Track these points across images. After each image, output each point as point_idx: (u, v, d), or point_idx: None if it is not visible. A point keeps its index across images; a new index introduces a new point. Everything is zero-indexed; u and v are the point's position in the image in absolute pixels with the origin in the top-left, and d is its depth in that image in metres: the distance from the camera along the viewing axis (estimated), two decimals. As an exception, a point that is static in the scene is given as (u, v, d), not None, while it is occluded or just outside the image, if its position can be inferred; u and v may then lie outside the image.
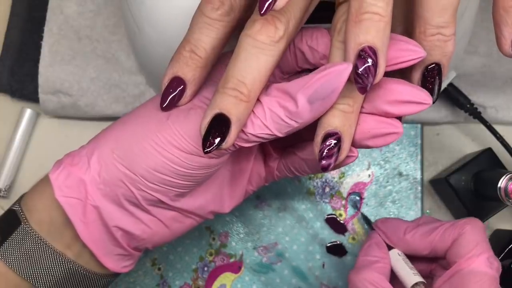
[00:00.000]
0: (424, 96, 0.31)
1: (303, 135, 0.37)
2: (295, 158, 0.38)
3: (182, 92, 0.33)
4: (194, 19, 0.32)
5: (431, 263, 0.44)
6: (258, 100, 0.31)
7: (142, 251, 0.38)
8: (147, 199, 0.34)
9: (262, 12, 0.27)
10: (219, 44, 0.32)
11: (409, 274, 0.41)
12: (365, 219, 0.51)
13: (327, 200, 0.51)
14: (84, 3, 0.51)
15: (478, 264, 0.38)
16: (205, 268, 0.51)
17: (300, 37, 0.33)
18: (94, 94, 0.50)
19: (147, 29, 0.43)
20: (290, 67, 0.35)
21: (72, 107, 0.51)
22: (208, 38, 0.32)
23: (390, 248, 0.43)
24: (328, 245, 0.51)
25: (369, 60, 0.28)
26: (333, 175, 0.51)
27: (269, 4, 0.27)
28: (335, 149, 0.31)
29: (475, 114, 0.50)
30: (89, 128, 0.52)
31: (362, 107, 0.32)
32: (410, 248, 0.43)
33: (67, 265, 0.35)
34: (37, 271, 0.35)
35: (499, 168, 0.49)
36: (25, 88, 0.52)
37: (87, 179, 0.33)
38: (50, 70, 0.50)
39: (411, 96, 0.31)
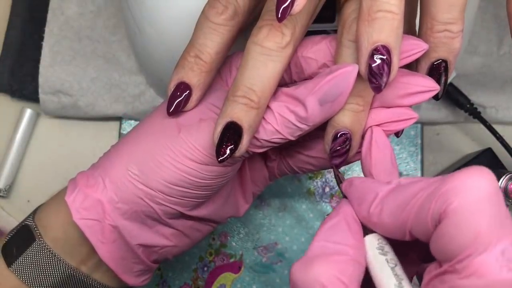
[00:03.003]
0: (431, 83, 0.31)
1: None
2: (300, 157, 0.37)
3: (188, 97, 0.33)
4: (198, 24, 0.32)
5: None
6: (267, 106, 0.31)
7: (160, 262, 0.38)
8: (168, 212, 0.34)
9: (279, 17, 0.27)
10: (223, 49, 0.32)
11: (390, 282, 0.25)
12: (338, 179, 0.32)
13: (327, 200, 0.51)
14: (85, 4, 0.51)
15: (485, 268, 0.21)
16: (205, 268, 0.51)
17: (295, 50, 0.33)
18: (94, 94, 0.50)
19: (147, 29, 0.44)
20: (282, 82, 0.34)
21: (73, 107, 0.51)
22: (212, 43, 0.32)
23: (367, 231, 0.27)
24: (328, 245, 0.51)
25: (383, 59, 0.28)
26: (333, 175, 0.51)
27: (286, 9, 0.27)
28: (346, 148, 0.31)
29: (475, 114, 0.50)
30: (89, 128, 0.52)
31: (372, 103, 0.32)
32: (380, 231, 0.27)
33: (82, 280, 0.35)
34: (51, 286, 0.35)
35: (499, 168, 0.49)
36: (25, 88, 0.51)
37: (104, 199, 0.33)
38: (50, 70, 0.50)
39: (420, 86, 0.31)
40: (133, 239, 0.34)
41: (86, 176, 0.35)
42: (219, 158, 0.30)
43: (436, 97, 0.32)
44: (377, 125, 0.32)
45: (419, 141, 0.52)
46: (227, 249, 0.51)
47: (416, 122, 0.51)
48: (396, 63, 0.28)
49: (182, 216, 0.35)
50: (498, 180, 0.45)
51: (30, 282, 0.34)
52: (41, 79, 0.50)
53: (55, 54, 0.50)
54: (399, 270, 0.26)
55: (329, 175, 0.51)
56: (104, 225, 0.33)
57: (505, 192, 0.45)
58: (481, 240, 0.22)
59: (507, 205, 0.46)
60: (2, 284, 0.35)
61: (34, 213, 0.36)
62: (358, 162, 0.51)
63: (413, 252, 0.28)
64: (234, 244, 0.51)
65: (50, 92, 0.50)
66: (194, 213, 0.35)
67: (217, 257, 0.51)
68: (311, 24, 0.33)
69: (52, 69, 0.50)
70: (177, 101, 0.33)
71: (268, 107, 0.31)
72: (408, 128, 0.52)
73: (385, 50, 0.28)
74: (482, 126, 0.50)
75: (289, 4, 0.27)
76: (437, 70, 0.31)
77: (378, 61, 0.28)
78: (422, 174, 0.51)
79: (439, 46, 0.31)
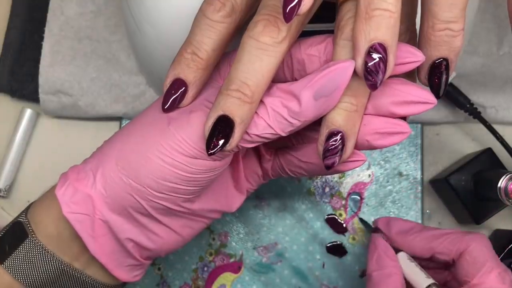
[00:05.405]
0: (428, 95, 0.31)
1: (298, 135, 0.37)
2: (293, 160, 0.38)
3: (183, 93, 0.33)
4: (196, 21, 0.32)
5: (443, 271, 0.44)
6: (261, 101, 0.31)
7: (152, 259, 0.38)
8: (156, 208, 0.34)
9: (286, 17, 0.27)
10: (220, 46, 0.32)
11: (421, 277, 0.41)
12: (363, 222, 0.50)
13: (327, 200, 0.51)
14: (85, 3, 0.51)
15: (490, 282, 0.39)
16: (205, 268, 0.51)
17: (298, 47, 0.33)
18: (94, 94, 0.50)
19: (147, 29, 0.44)
20: (282, 80, 0.34)
21: (73, 107, 0.51)
22: (209, 40, 0.32)
23: (396, 251, 0.43)
24: (328, 245, 0.51)
25: (379, 57, 0.28)
26: (333, 175, 0.51)
27: (293, 8, 0.27)
28: (339, 148, 0.31)
29: (475, 114, 0.50)
30: (89, 128, 0.52)
31: (366, 108, 0.32)
32: (411, 250, 0.43)
33: (75, 275, 0.35)
34: (44, 283, 0.35)
35: (499, 168, 0.49)
36: (25, 88, 0.52)
37: (94, 194, 0.33)
38: (50, 70, 0.50)
39: (416, 97, 0.31)
40: (123, 234, 0.34)
41: (77, 170, 0.34)
42: (209, 151, 0.30)
43: (437, 96, 0.32)
44: (369, 136, 0.32)
45: (419, 141, 0.52)
46: (227, 249, 0.51)
47: (416, 122, 0.52)
48: (392, 61, 0.28)
49: (172, 212, 0.34)
50: (498, 180, 0.45)
51: (22, 279, 0.34)
52: (41, 79, 0.50)
53: (55, 54, 0.50)
54: (423, 270, 0.41)
55: (329, 175, 0.51)
56: (94, 220, 0.33)
57: (505, 192, 0.44)
58: (488, 266, 0.39)
59: (507, 205, 0.46)
60: None
61: (27, 209, 0.36)
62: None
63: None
64: (234, 244, 0.51)
65: (50, 92, 0.50)
66: (184, 209, 0.35)
67: (217, 257, 0.51)
68: (312, 24, 0.33)
69: (52, 69, 0.50)
70: (172, 98, 0.33)
71: (261, 101, 0.31)
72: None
73: (381, 48, 0.28)
74: (482, 126, 0.50)
75: (296, 3, 0.27)
76: (438, 69, 0.31)
77: (375, 59, 0.28)
78: (422, 174, 0.52)
79: (440, 45, 0.30)
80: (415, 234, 0.43)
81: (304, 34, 0.33)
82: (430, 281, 0.40)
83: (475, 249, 0.40)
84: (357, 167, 0.35)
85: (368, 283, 0.42)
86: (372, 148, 0.33)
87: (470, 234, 0.41)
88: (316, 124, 0.32)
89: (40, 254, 0.34)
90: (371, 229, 0.48)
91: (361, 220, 0.51)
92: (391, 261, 0.42)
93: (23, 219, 0.35)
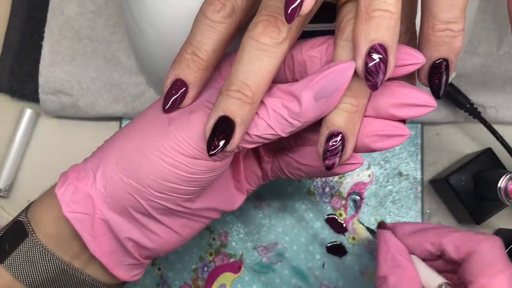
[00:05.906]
0: (428, 99, 0.31)
1: (297, 137, 0.37)
2: (291, 162, 0.38)
3: (184, 94, 0.33)
4: (196, 21, 0.32)
5: (452, 275, 0.41)
6: (261, 101, 0.31)
7: (152, 259, 0.38)
8: (156, 208, 0.34)
9: (287, 18, 0.27)
10: (221, 46, 0.32)
11: (433, 276, 0.39)
12: (369, 230, 0.49)
13: (327, 200, 0.51)
14: (85, 3, 0.51)
15: (498, 284, 0.37)
16: (205, 268, 0.51)
17: (300, 48, 0.33)
18: (94, 94, 0.50)
19: (147, 29, 0.44)
20: (284, 81, 0.34)
21: (73, 107, 0.51)
22: (210, 40, 0.32)
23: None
24: (328, 245, 0.51)
25: (380, 57, 0.28)
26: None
27: (295, 9, 0.27)
28: (339, 149, 0.31)
29: (475, 114, 0.50)
30: (89, 128, 0.52)
31: (366, 110, 0.32)
32: (418, 248, 0.41)
33: (75, 275, 0.35)
34: (44, 282, 0.35)
35: (499, 168, 0.49)
36: (25, 88, 0.52)
37: (94, 193, 0.33)
38: (50, 70, 0.50)
39: (416, 99, 0.31)
40: (122, 233, 0.34)
41: (77, 169, 0.35)
42: (210, 152, 0.30)
43: (437, 96, 0.32)
44: (367, 138, 0.32)
45: (419, 141, 0.52)
46: (227, 249, 0.51)
47: (416, 122, 0.52)
48: (392, 62, 0.28)
49: (172, 212, 0.34)
50: (498, 180, 0.45)
51: (22, 278, 0.34)
52: (41, 79, 0.50)
53: (55, 54, 0.50)
54: (434, 270, 0.40)
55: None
56: (94, 219, 0.33)
57: (505, 192, 0.45)
58: (497, 268, 0.37)
59: (507, 205, 0.46)
60: None
61: (27, 209, 0.37)
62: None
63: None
64: (234, 244, 0.51)
65: (50, 92, 0.50)
66: (184, 209, 0.35)
67: (217, 257, 0.51)
68: (312, 25, 0.33)
69: (52, 69, 0.50)
70: (173, 98, 0.33)
71: (261, 102, 0.31)
72: (408, 128, 0.51)
73: (382, 48, 0.28)
74: (482, 126, 0.50)
75: (298, 5, 0.27)
76: (438, 69, 0.31)
77: (375, 59, 0.28)
78: (422, 174, 0.52)
79: (440, 45, 0.30)
80: (423, 231, 0.41)
81: (304, 34, 0.32)
82: (442, 279, 0.39)
83: (486, 248, 0.38)
84: (354, 169, 0.35)
85: (382, 285, 0.39)
86: (371, 150, 0.33)
87: (482, 235, 0.39)
88: (315, 125, 0.32)
89: (40, 253, 0.34)
90: (373, 233, 0.47)
91: (368, 229, 0.49)
92: (407, 261, 0.40)
93: (23, 218, 0.36)
